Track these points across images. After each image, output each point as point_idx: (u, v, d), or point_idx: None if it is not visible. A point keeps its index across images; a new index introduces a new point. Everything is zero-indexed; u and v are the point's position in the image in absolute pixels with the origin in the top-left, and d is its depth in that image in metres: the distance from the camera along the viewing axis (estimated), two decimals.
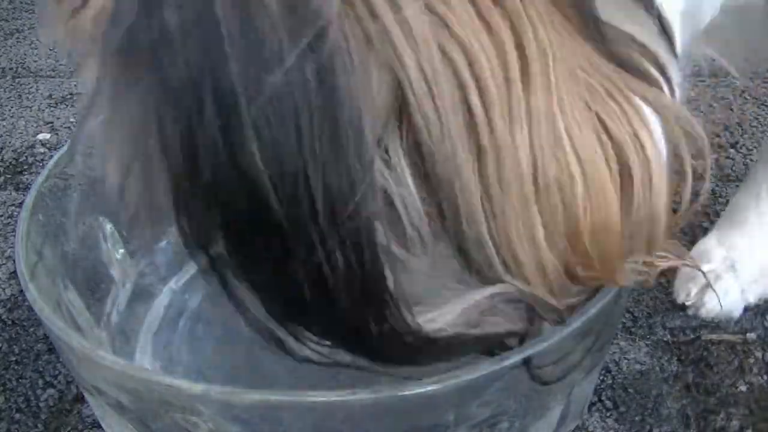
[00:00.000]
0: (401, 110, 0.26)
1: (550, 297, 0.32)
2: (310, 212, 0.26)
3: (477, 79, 0.27)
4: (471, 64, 0.26)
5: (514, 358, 0.33)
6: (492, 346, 0.34)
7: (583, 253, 0.31)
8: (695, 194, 0.34)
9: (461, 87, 0.27)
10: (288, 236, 0.26)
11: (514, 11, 0.27)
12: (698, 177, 0.34)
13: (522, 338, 0.34)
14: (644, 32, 0.31)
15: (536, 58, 0.28)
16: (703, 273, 0.53)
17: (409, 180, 0.28)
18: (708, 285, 0.55)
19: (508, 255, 0.30)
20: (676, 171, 0.33)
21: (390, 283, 0.28)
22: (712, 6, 0.38)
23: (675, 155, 0.33)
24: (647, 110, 0.31)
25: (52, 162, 0.48)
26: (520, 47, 0.27)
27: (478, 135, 0.27)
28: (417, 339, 0.30)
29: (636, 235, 0.32)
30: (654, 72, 0.32)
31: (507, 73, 0.27)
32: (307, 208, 0.25)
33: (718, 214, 0.65)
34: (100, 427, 0.47)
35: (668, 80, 0.33)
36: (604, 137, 0.30)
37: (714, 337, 0.55)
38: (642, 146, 0.31)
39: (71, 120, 0.85)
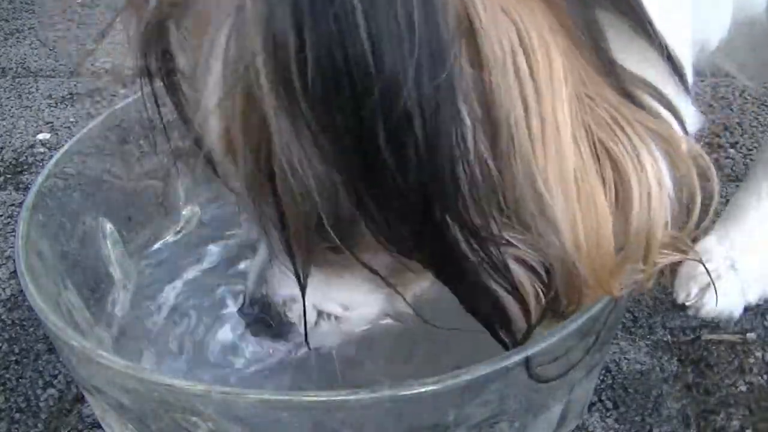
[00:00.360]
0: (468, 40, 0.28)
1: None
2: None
3: (524, 46, 0.29)
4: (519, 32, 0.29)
5: (514, 358, 0.33)
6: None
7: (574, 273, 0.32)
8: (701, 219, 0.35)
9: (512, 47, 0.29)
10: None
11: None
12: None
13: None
14: (657, 74, 0.33)
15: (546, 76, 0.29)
16: (705, 267, 0.53)
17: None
18: (709, 285, 0.55)
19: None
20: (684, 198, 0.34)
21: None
22: (720, 29, 0.39)
23: (683, 184, 0.34)
24: (652, 139, 0.32)
25: (52, 162, 0.48)
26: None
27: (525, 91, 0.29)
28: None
29: (631, 249, 0.33)
30: (664, 113, 0.33)
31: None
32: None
33: (717, 214, 0.65)
34: (100, 427, 0.47)
35: (680, 120, 0.34)
36: (603, 156, 0.31)
37: (714, 337, 0.55)
38: (642, 166, 0.32)
39: (71, 120, 0.85)
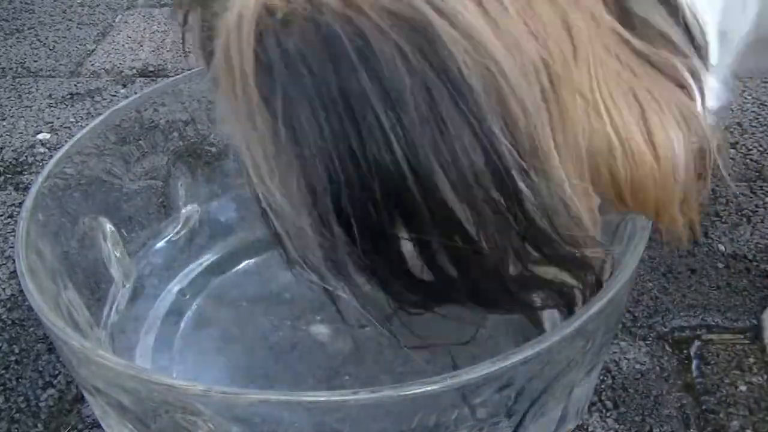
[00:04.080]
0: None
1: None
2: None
3: (546, 65, 0.29)
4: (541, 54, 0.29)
5: (514, 358, 0.33)
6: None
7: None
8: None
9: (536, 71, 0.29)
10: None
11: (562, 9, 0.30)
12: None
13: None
14: (676, 35, 0.33)
15: (583, 45, 0.30)
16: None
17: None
18: None
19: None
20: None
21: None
22: (743, 25, 0.39)
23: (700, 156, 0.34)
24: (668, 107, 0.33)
25: (52, 162, 0.48)
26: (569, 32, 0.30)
27: (550, 106, 0.30)
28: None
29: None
30: (684, 72, 0.33)
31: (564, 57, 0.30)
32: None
33: (718, 214, 0.65)
34: (100, 427, 0.47)
35: (699, 83, 0.34)
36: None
37: (714, 337, 0.55)
38: (653, 142, 0.32)
39: (71, 120, 0.85)
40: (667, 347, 0.54)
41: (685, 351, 0.54)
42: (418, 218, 0.29)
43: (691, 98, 0.34)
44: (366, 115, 0.28)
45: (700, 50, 0.34)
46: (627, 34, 0.32)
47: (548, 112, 0.30)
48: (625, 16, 0.32)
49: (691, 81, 0.33)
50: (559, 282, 0.35)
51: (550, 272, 0.34)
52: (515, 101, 0.29)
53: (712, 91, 0.35)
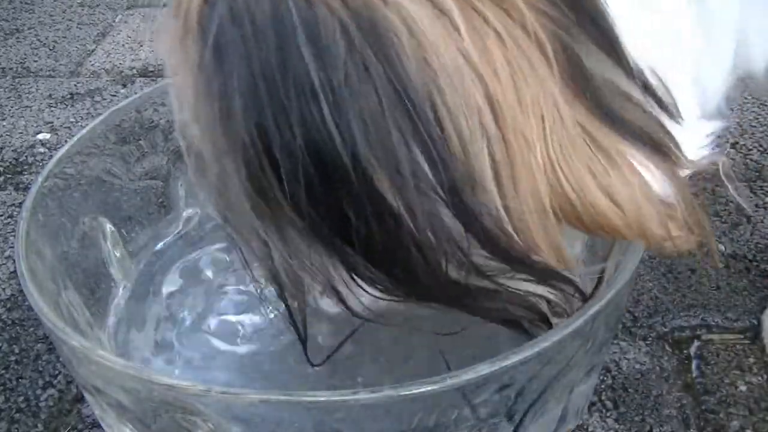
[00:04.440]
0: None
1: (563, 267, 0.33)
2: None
3: (491, 103, 0.29)
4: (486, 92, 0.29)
5: (514, 358, 0.33)
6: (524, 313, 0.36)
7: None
8: None
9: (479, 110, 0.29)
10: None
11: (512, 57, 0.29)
12: None
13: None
14: (639, 95, 0.33)
15: (532, 97, 0.29)
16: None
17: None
18: None
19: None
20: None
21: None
22: (719, 80, 0.39)
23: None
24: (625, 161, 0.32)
25: (52, 162, 0.48)
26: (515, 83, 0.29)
27: (494, 150, 0.29)
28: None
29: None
30: (656, 130, 0.33)
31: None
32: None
33: (718, 214, 0.65)
34: (100, 427, 0.47)
35: (671, 140, 0.33)
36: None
37: (714, 337, 0.55)
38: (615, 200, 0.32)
39: (71, 120, 0.85)
40: (667, 347, 0.54)
41: (685, 351, 0.54)
42: (346, 185, 0.28)
43: (668, 155, 0.33)
44: (297, 66, 0.27)
45: (667, 108, 0.33)
46: (583, 100, 0.31)
47: (488, 141, 0.29)
48: (584, 80, 0.31)
49: (665, 138, 0.33)
50: (531, 296, 0.35)
51: (523, 286, 0.34)
52: (449, 118, 0.28)
53: (692, 144, 0.35)
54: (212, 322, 0.54)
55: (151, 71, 0.94)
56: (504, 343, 0.47)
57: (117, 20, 1.08)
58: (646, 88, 0.32)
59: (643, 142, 0.32)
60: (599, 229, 0.33)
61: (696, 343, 0.55)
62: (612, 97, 0.32)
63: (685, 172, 0.34)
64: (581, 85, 0.31)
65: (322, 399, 0.32)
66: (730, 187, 0.36)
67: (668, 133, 0.33)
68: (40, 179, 0.47)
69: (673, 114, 0.33)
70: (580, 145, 0.31)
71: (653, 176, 0.33)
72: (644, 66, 0.32)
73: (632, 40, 0.31)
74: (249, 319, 0.53)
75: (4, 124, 0.85)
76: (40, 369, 0.55)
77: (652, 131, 0.33)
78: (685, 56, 0.35)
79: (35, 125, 0.84)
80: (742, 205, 0.37)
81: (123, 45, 1.00)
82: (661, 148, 0.33)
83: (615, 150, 0.32)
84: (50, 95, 0.90)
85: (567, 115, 0.30)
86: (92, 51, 1.00)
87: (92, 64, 0.96)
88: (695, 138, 0.35)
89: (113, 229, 0.53)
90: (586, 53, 0.31)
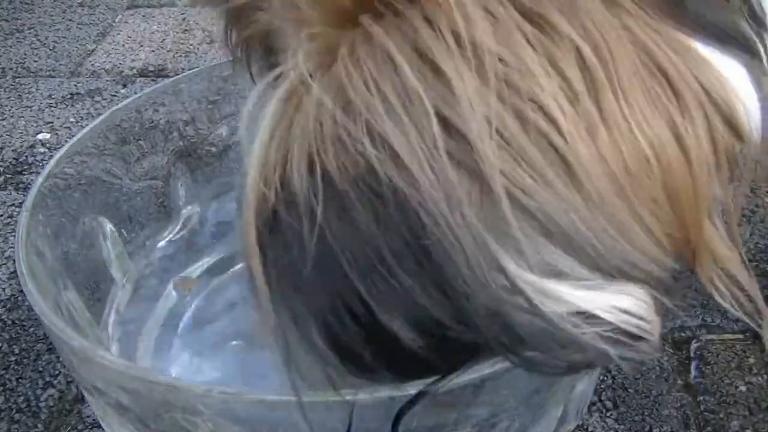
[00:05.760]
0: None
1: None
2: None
3: (549, 119, 0.27)
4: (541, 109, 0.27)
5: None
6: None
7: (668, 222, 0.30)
8: None
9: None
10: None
11: (561, 25, 0.27)
12: None
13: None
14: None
15: (598, 67, 0.28)
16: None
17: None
18: None
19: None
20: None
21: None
22: None
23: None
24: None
25: (52, 162, 0.48)
26: (579, 60, 0.28)
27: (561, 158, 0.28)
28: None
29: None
30: (748, 31, 0.30)
31: (573, 91, 0.28)
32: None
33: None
34: (100, 427, 0.47)
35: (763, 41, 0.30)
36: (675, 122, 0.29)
37: (714, 337, 0.55)
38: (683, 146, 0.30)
39: (71, 120, 0.85)
40: (667, 347, 0.54)
41: (685, 351, 0.54)
42: None
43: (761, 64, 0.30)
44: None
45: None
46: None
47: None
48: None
49: (759, 45, 0.30)
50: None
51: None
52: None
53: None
54: (212, 322, 0.54)
55: (151, 71, 0.94)
56: None
57: (117, 20, 1.08)
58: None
59: (738, 45, 0.30)
60: (667, 198, 0.30)
61: (696, 343, 0.55)
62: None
63: None
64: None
65: (322, 399, 0.32)
66: None
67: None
68: (40, 179, 0.47)
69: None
70: (654, 92, 0.29)
71: (746, 86, 0.30)
72: None
73: None
74: (249, 319, 0.53)
75: (4, 124, 0.85)
76: (40, 369, 0.55)
77: (745, 34, 0.30)
78: None
79: (35, 125, 0.84)
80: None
81: (123, 45, 1.01)
82: (755, 51, 0.30)
83: (702, 72, 0.29)
84: (50, 95, 0.90)
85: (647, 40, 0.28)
86: (92, 51, 1.00)
87: (92, 64, 0.96)
88: None
89: (113, 229, 0.53)
90: None
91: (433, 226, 0.26)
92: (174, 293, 0.56)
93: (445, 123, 0.26)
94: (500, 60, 0.26)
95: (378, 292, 0.27)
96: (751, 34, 0.30)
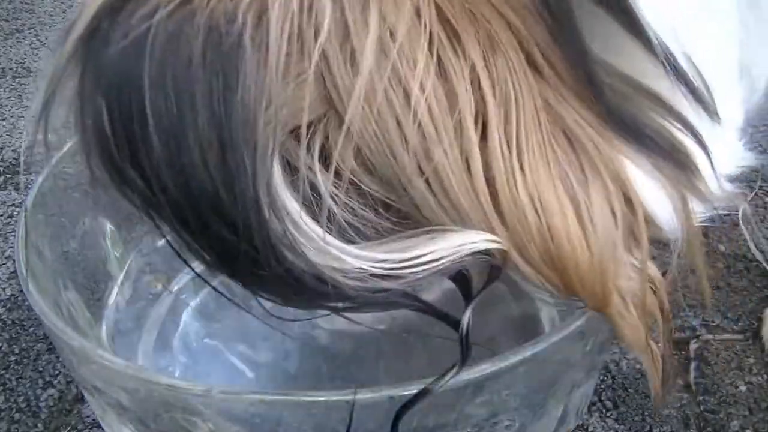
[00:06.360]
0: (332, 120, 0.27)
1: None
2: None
3: (417, 122, 0.26)
4: (412, 107, 0.26)
5: (514, 358, 0.33)
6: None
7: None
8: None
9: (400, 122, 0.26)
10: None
11: (477, 59, 0.27)
12: None
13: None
14: (660, 83, 0.28)
15: (493, 103, 0.27)
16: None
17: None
18: None
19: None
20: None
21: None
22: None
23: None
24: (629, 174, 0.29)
25: (52, 162, 0.48)
26: (476, 87, 0.27)
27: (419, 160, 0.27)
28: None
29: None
30: (676, 135, 0.28)
31: (458, 121, 0.27)
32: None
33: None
34: (100, 427, 0.47)
35: (702, 144, 0.29)
36: (565, 191, 0.28)
37: (714, 337, 0.55)
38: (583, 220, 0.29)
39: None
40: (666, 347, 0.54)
41: (685, 351, 0.54)
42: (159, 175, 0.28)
43: (686, 167, 0.29)
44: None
45: (702, 99, 0.28)
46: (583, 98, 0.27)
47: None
48: (586, 66, 0.27)
49: (687, 145, 0.28)
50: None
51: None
52: None
53: (729, 150, 0.31)
54: (212, 322, 0.54)
55: None
56: (504, 343, 0.47)
57: None
58: (677, 72, 0.27)
59: (655, 145, 0.28)
60: (551, 263, 0.29)
61: (696, 343, 0.55)
62: (622, 93, 0.28)
63: (702, 204, 0.30)
64: (589, 77, 0.27)
65: (322, 399, 0.32)
66: (748, 236, 0.33)
67: (702, 141, 0.29)
68: (40, 179, 0.47)
69: (709, 107, 0.28)
70: (552, 150, 0.27)
71: (656, 193, 0.29)
72: (676, 51, 0.27)
73: (660, 17, 0.27)
74: (249, 318, 0.53)
75: (4, 124, 0.85)
76: (40, 369, 0.55)
77: (669, 134, 0.28)
78: (728, 37, 0.30)
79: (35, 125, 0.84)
80: (762, 262, 0.32)
81: None
82: (679, 155, 0.29)
83: (609, 153, 0.28)
84: None
85: (544, 118, 0.27)
86: None
87: None
88: (733, 150, 0.31)
89: (113, 229, 0.53)
90: (602, 39, 0.27)
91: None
92: (174, 293, 0.56)
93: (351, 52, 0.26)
94: (398, 44, 0.26)
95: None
96: (682, 144, 0.29)
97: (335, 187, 0.27)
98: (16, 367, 0.55)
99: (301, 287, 0.29)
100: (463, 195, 0.28)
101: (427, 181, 0.27)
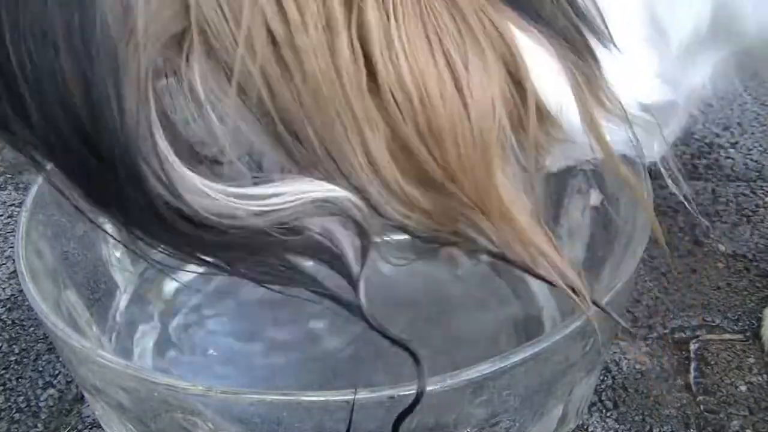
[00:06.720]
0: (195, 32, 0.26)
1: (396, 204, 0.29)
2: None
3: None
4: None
5: (514, 358, 0.33)
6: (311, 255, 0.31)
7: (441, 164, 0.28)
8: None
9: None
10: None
11: None
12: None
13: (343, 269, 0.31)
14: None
15: None
16: None
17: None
18: None
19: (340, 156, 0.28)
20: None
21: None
22: (686, 30, 0.33)
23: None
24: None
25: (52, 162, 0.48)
26: None
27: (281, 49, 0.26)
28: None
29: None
30: (577, 24, 0.28)
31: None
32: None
33: (719, 214, 0.65)
34: (100, 427, 0.47)
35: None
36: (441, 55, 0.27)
37: (714, 337, 0.55)
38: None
39: None
40: (667, 347, 0.54)
41: (685, 351, 0.54)
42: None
43: (592, 60, 0.28)
44: None
45: (593, 26, 0.28)
46: None
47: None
48: None
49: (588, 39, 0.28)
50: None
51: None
52: None
53: (638, 78, 0.30)
54: (213, 321, 0.54)
55: None
56: (504, 343, 0.48)
57: None
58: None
59: (553, 26, 0.28)
60: (430, 139, 0.27)
61: (696, 343, 0.55)
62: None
63: (610, 118, 0.29)
64: None
65: (322, 399, 0.32)
66: (666, 175, 0.32)
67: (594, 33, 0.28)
68: (40, 179, 0.47)
69: (601, 34, 0.28)
70: (430, 20, 0.26)
71: (554, 79, 0.28)
72: None
73: None
74: (249, 318, 0.53)
75: None
76: (40, 369, 0.55)
77: (568, 21, 0.28)
78: None
79: None
80: (676, 193, 0.31)
81: None
82: (577, 43, 0.28)
83: (499, 26, 0.27)
84: None
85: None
86: None
87: None
88: (643, 79, 0.31)
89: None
90: None
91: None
92: (174, 293, 0.56)
93: None
94: None
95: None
96: (576, 35, 0.28)
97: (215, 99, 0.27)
98: (16, 367, 0.55)
99: (171, 221, 0.29)
100: (324, 77, 0.26)
101: (289, 72, 0.26)
